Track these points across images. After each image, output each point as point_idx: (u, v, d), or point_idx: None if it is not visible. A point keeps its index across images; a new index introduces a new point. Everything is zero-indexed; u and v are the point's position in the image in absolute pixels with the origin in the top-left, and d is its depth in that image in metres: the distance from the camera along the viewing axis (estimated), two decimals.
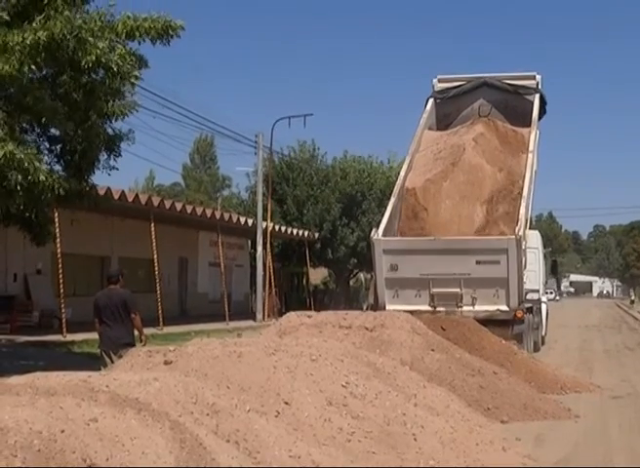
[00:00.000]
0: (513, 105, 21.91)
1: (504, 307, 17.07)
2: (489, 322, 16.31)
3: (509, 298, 17.04)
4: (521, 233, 17.25)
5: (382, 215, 18.79)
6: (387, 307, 16.99)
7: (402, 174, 19.96)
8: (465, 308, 17.03)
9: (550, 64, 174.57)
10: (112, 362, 10.32)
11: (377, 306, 17.55)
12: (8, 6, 12.59)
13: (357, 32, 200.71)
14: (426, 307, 17.02)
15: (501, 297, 17.07)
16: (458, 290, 17.12)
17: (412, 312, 15.31)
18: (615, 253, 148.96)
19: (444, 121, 22.27)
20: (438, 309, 16.98)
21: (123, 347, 10.52)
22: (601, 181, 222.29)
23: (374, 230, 17.97)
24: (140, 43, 13.09)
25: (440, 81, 22.49)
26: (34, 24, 11.70)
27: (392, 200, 19.04)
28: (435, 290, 17.20)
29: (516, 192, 18.87)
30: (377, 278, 17.75)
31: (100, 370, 9.62)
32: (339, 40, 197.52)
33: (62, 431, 4.81)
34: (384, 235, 17.79)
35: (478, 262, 17.04)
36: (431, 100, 22.07)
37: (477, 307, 16.97)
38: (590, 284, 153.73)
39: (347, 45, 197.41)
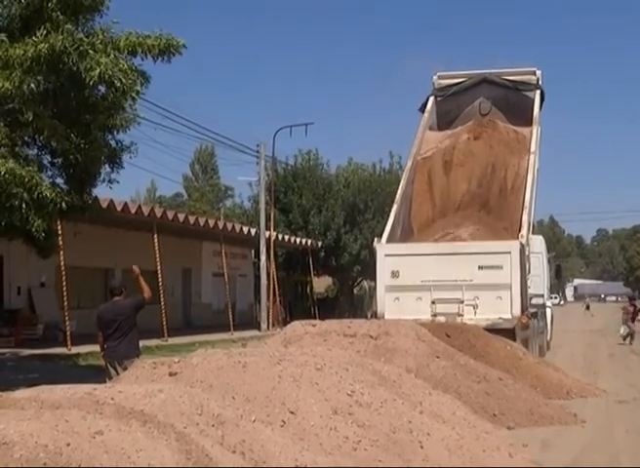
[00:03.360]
0: (514, 102, 21.81)
1: (507, 315, 16.69)
2: (492, 331, 16.00)
3: (512, 305, 16.68)
4: (524, 239, 17.08)
5: (385, 224, 18.71)
6: (386, 316, 16.77)
7: (404, 179, 19.92)
8: (467, 316, 16.71)
9: (552, 67, 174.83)
10: (117, 373, 10.33)
11: (376, 314, 17.46)
12: (9, 19, 12.67)
13: (357, 36, 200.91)
14: (427, 316, 16.68)
15: (504, 304, 16.71)
16: (459, 296, 16.88)
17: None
18: (618, 257, 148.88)
19: (445, 118, 22.20)
20: (438, 319, 16.66)
21: (128, 359, 10.54)
22: (603, 185, 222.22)
23: (376, 239, 17.96)
24: (143, 59, 13.15)
25: (440, 78, 22.43)
26: (34, 38, 11.76)
27: (394, 207, 18.98)
28: (436, 296, 16.95)
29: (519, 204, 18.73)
30: (377, 285, 17.59)
31: (105, 382, 9.63)
32: (338, 44, 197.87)
33: (68, 444, 4.81)
34: (388, 242, 17.79)
35: (480, 267, 16.84)
36: (432, 99, 21.99)
37: (479, 316, 16.65)
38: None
39: (347, 49, 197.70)
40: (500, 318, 16.68)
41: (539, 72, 22.06)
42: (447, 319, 16.60)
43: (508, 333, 16.46)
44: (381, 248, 17.51)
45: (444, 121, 22.20)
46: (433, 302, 16.92)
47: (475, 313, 16.73)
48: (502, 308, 16.72)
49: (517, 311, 16.73)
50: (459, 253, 17.17)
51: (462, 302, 16.82)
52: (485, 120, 21.31)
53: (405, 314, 16.40)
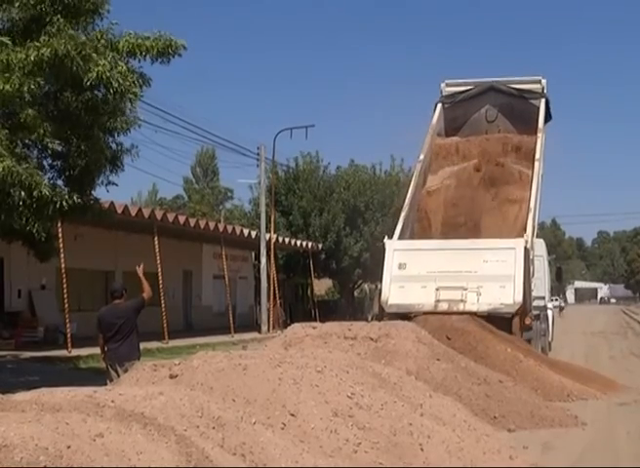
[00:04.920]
0: (519, 109, 22.23)
1: (509, 301, 16.86)
2: (493, 319, 16.33)
3: (515, 293, 16.90)
4: (529, 239, 17.51)
5: (395, 227, 19.14)
6: (390, 302, 17.21)
7: (413, 184, 20.28)
8: (469, 302, 16.89)
9: (554, 68, 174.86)
10: (118, 376, 10.36)
11: (379, 302, 17.96)
12: (10, 24, 12.69)
13: (360, 39, 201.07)
14: (430, 301, 16.97)
15: (507, 292, 16.95)
16: (463, 284, 17.15)
17: (414, 308, 16.37)
18: (619, 260, 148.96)
19: (452, 124, 22.68)
20: (441, 305, 16.93)
21: (129, 361, 10.57)
22: (604, 187, 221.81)
23: (387, 237, 18.45)
24: (140, 61, 13.16)
25: (448, 85, 22.85)
26: (36, 43, 11.77)
27: (405, 210, 19.45)
28: (441, 284, 17.25)
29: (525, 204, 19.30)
30: (384, 275, 17.88)
31: (106, 384, 9.64)
32: (340, 47, 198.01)
33: (68, 447, 4.81)
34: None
35: (485, 261, 17.29)
36: (439, 106, 22.42)
37: (482, 301, 16.88)
38: (595, 290, 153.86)
39: (349, 52, 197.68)
40: (502, 304, 16.87)
41: (544, 81, 22.43)
42: (449, 305, 16.87)
43: (506, 322, 16.62)
44: (391, 243, 18.07)
45: (451, 127, 22.67)
46: (437, 289, 17.17)
47: (478, 300, 16.92)
48: (505, 296, 16.97)
49: (519, 298, 16.90)
50: (465, 249, 17.71)
51: (466, 289, 17.06)
52: (492, 161, 21.52)
53: (409, 300, 17.02)
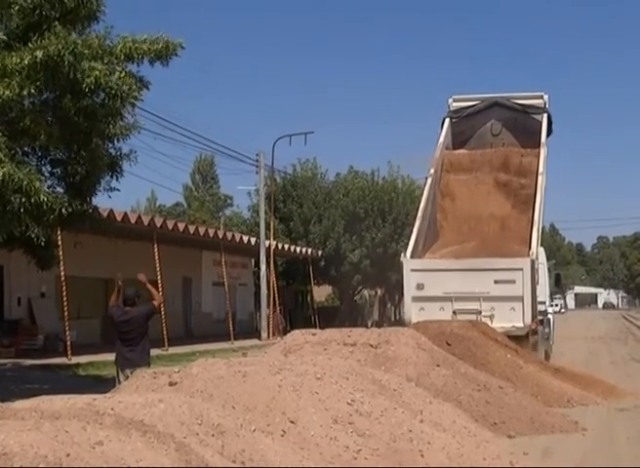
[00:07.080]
0: (522, 124, 23.12)
1: (520, 324, 17.99)
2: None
3: (524, 315, 18.00)
4: (534, 255, 18.26)
5: (409, 238, 19.96)
6: (413, 321, 17.84)
7: (424, 197, 20.87)
8: None
9: (554, 75, 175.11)
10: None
11: (403, 321, 18.89)
12: (8, 30, 12.70)
13: (361, 46, 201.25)
14: None
15: (517, 314, 18.04)
16: (477, 306, 18.15)
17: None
18: (619, 265, 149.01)
19: (459, 138, 23.61)
20: None
21: (139, 367, 10.63)
22: (604, 192, 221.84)
23: (402, 254, 19.17)
24: (138, 65, 13.16)
25: (455, 101, 23.78)
26: (30, 45, 11.77)
27: (417, 223, 20.07)
28: (457, 306, 18.27)
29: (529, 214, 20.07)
30: (404, 295, 19.02)
31: (114, 387, 9.69)
32: (341, 54, 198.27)
33: (68, 455, 4.81)
34: (412, 256, 19.01)
35: (496, 281, 18.14)
36: (447, 120, 23.22)
37: (495, 324, 17.71)
38: (595, 295, 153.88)
39: (350, 59, 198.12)
40: (514, 326, 17.96)
41: (546, 96, 23.30)
42: None
43: (521, 339, 17.55)
44: (407, 263, 18.82)
45: (458, 140, 23.55)
46: (454, 313, 18.19)
47: (491, 322, 17.79)
48: (515, 318, 18.06)
49: (528, 320, 18.06)
50: (476, 270, 18.45)
51: (480, 313, 18.09)
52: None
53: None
